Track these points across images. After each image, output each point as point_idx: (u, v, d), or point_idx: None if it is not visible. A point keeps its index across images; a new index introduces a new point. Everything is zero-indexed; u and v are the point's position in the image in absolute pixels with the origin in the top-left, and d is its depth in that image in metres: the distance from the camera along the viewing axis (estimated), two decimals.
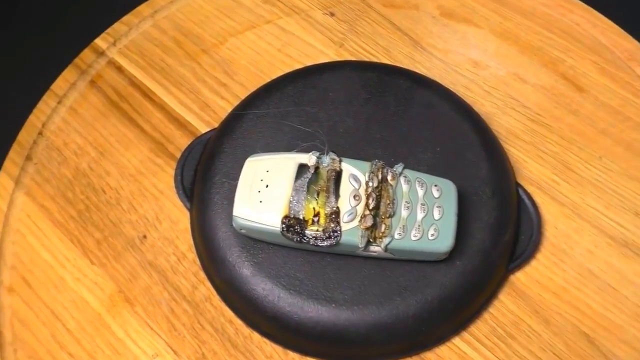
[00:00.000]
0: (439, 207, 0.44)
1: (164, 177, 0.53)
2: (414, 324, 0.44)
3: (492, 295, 0.47)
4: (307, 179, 0.44)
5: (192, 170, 0.52)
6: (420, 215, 0.44)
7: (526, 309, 0.47)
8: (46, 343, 0.47)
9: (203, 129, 0.55)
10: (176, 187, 0.52)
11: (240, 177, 0.45)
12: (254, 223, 0.44)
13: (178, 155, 0.53)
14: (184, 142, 0.54)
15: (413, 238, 0.43)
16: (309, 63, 0.57)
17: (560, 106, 0.55)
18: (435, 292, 0.44)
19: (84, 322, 0.48)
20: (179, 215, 0.51)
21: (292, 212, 0.43)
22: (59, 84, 0.58)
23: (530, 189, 0.51)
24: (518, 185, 0.50)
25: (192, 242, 0.50)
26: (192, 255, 0.50)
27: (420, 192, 0.45)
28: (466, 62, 0.57)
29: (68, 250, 0.50)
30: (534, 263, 0.48)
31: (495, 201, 0.47)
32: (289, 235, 0.43)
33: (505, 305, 0.47)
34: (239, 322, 0.47)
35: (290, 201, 0.44)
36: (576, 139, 0.53)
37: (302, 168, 0.45)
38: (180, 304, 0.48)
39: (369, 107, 0.51)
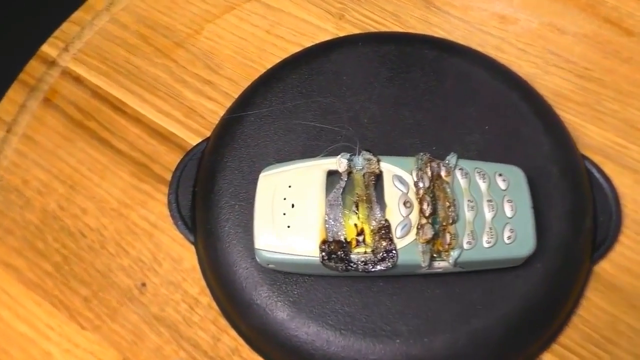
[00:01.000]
0: (509, 201, 0.36)
1: (155, 206, 0.43)
2: (497, 347, 0.36)
3: (579, 294, 0.39)
4: (341, 189, 0.35)
5: (189, 194, 0.42)
6: (489, 215, 0.35)
7: (620, 304, 0.39)
8: None
9: (193, 140, 0.45)
10: (172, 216, 0.42)
11: (257, 197, 0.36)
12: (285, 255, 0.34)
13: (168, 176, 0.43)
14: (172, 159, 0.44)
15: (486, 245, 0.35)
16: (307, 43, 0.47)
17: (609, 55, 0.47)
18: (517, 304, 0.36)
19: None
20: (182, 252, 0.42)
21: (330, 234, 0.34)
22: (5, 107, 0.47)
23: (596, 159, 0.42)
24: (583, 157, 0.42)
25: (204, 283, 0.41)
26: (207, 299, 0.40)
27: (483, 186, 0.36)
28: (491, 17, 0.48)
29: (49, 316, 0.40)
30: (618, 247, 0.40)
31: (568, 181, 0.39)
32: (332, 264, 0.34)
33: (595, 304, 0.39)
34: None
35: (326, 220, 0.35)
36: (635, 91, 0.45)
37: (331, 176, 0.36)
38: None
39: (393, 88, 0.42)
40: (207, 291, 0.40)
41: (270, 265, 0.36)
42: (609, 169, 0.42)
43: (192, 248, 0.41)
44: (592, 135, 0.44)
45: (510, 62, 0.46)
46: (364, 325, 0.36)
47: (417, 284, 0.36)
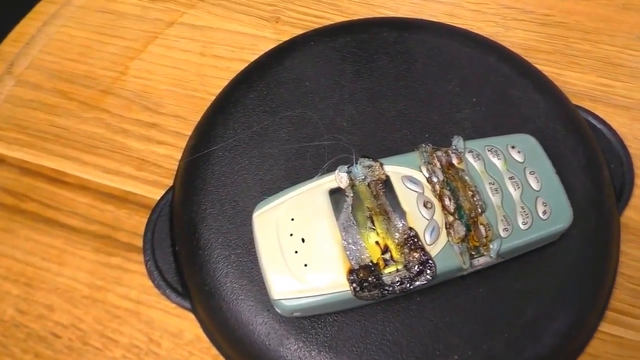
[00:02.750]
0: (532, 173, 0.32)
1: (133, 279, 0.37)
2: (559, 330, 0.32)
3: (617, 252, 0.36)
4: (350, 207, 0.31)
5: (169, 256, 0.37)
6: (515, 193, 0.32)
7: None
8: None
9: (154, 194, 0.39)
10: (157, 286, 0.36)
11: (258, 241, 0.31)
12: (310, 298, 0.30)
13: (138, 242, 0.38)
14: (136, 221, 0.38)
15: (523, 227, 0.31)
16: (250, 57, 0.42)
17: None
18: (565, 279, 0.33)
19: None
20: (180, 323, 0.36)
21: (354, 260, 0.30)
22: None
23: (585, 105, 0.40)
24: (575, 106, 0.39)
25: (215, 351, 0.35)
26: None
27: (499, 164, 0.32)
28: None
29: None
30: (637, 191, 0.38)
31: (574, 135, 0.36)
32: (366, 293, 0.29)
33: (635, 257, 0.36)
34: None
35: (345, 247, 0.30)
36: (600, 26, 0.43)
37: (334, 195, 0.31)
38: None
39: (363, 82, 0.38)
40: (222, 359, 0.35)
41: (296, 314, 0.31)
42: (601, 112, 0.40)
43: (191, 316, 0.36)
44: (573, 82, 0.41)
45: (468, 27, 0.43)
46: (415, 349, 0.31)
47: (456, 288, 0.32)
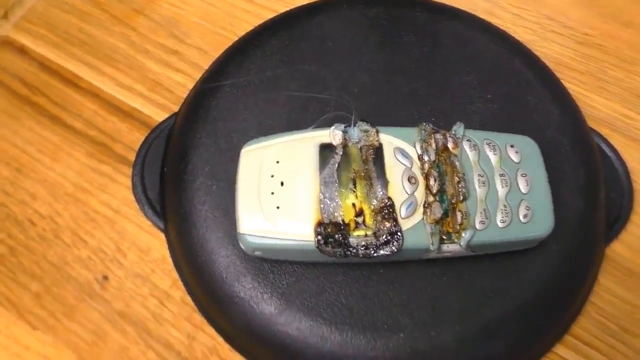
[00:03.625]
0: (523, 175, 0.32)
1: (118, 190, 0.38)
2: (510, 338, 0.32)
3: (593, 279, 0.36)
4: (336, 165, 0.31)
5: (156, 175, 0.37)
6: (502, 190, 0.31)
7: (637, 291, 0.36)
8: None
9: (159, 116, 0.40)
10: (138, 201, 0.37)
11: (239, 175, 0.31)
12: (274, 239, 0.30)
13: (131, 156, 0.38)
14: (135, 137, 0.39)
15: (500, 225, 0.31)
16: (281, 9, 0.43)
17: (609, 19, 0.44)
18: (532, 290, 0.32)
19: None
20: (150, 240, 0.37)
21: (325, 215, 0.30)
22: None
23: (603, 132, 0.39)
24: (591, 129, 0.39)
25: (176, 275, 0.36)
26: (180, 293, 0.35)
27: (494, 159, 0.32)
28: None
29: None
30: (630, 228, 0.37)
31: (579, 154, 0.35)
32: (329, 249, 0.29)
33: (609, 290, 0.36)
34: None
35: (321, 200, 0.30)
36: (638, 58, 0.42)
37: (324, 150, 0.31)
38: None
39: (385, 54, 0.38)
40: (180, 284, 0.35)
41: (257, 253, 0.31)
42: (617, 142, 0.39)
43: (162, 236, 0.36)
44: (597, 106, 0.41)
45: (505, 28, 0.42)
46: (363, 318, 0.31)
47: (422, 270, 0.32)
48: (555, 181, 0.34)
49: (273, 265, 0.32)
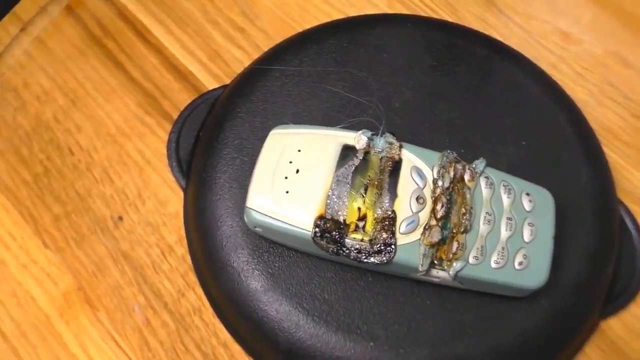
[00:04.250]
0: (530, 224, 0.32)
1: (154, 142, 0.40)
2: None
3: (578, 347, 0.35)
4: (353, 167, 0.32)
5: (191, 137, 0.39)
6: (505, 233, 0.32)
7: None
8: None
9: (211, 84, 0.42)
10: (169, 157, 0.39)
11: (261, 154, 0.33)
12: (275, 221, 0.31)
13: (175, 114, 0.41)
14: (183, 98, 0.41)
15: (494, 265, 0.31)
16: (352, 13, 0.44)
17: None
18: (510, 339, 0.32)
19: (26, 325, 0.35)
20: (169, 195, 0.39)
21: (329, 211, 0.31)
22: (25, 6, 0.44)
23: (633, 208, 0.39)
24: (619, 202, 0.38)
25: (183, 232, 0.37)
26: (182, 250, 0.37)
27: (506, 202, 0.32)
28: (553, 32, 0.45)
29: (15, 225, 0.38)
30: (633, 308, 0.37)
31: (598, 222, 0.35)
32: (323, 242, 0.31)
33: None
34: (236, 348, 0.35)
35: (329, 196, 0.31)
36: None
37: (346, 151, 0.32)
38: (159, 315, 0.36)
39: (434, 78, 0.39)
40: (185, 242, 0.37)
41: (257, 229, 0.32)
42: None
43: (181, 194, 0.38)
44: (634, 180, 0.40)
45: (563, 84, 0.42)
46: (340, 318, 0.32)
47: (408, 289, 0.33)
48: (565, 241, 0.34)
49: (270, 245, 0.34)
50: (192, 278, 0.36)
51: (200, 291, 0.36)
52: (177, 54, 0.43)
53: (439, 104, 0.38)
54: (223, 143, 0.36)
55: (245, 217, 0.32)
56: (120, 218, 0.38)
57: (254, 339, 0.34)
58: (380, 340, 0.32)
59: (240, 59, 0.43)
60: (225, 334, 0.35)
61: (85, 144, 0.40)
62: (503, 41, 0.44)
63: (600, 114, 0.42)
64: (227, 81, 0.42)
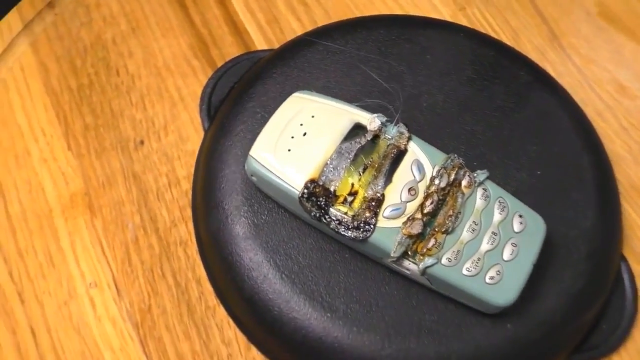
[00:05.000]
0: (514, 245, 0.32)
1: (193, 84, 0.42)
2: None
3: None
4: (359, 146, 0.33)
5: (227, 88, 0.41)
6: (485, 246, 0.32)
7: None
8: None
9: (261, 45, 0.44)
10: (201, 99, 0.41)
11: (277, 111, 0.34)
12: (270, 174, 0.32)
13: (219, 63, 0.43)
14: (232, 52, 0.43)
15: (465, 272, 0.31)
16: (414, 13, 0.45)
17: None
18: (463, 350, 0.32)
19: (30, 212, 0.38)
20: (192, 134, 0.41)
21: (323, 177, 0.32)
22: None
23: (635, 267, 0.37)
24: (622, 257, 0.37)
25: (193, 170, 0.39)
26: (187, 186, 0.39)
27: (497, 217, 0.32)
28: (610, 82, 0.44)
29: (49, 123, 0.40)
30: None
31: (588, 266, 0.34)
32: (308, 205, 0.32)
33: None
34: (207, 287, 0.37)
35: (327, 164, 0.32)
36: None
37: (357, 129, 0.33)
38: (149, 237, 0.38)
39: (470, 90, 0.39)
40: (192, 179, 0.39)
41: (253, 178, 0.34)
42: None
43: (202, 136, 0.40)
44: None
45: (604, 133, 0.42)
46: (307, 283, 0.33)
47: (380, 275, 0.33)
48: (550, 276, 0.34)
49: (263, 199, 0.35)
50: (188, 213, 0.38)
51: (191, 227, 0.38)
52: (239, 11, 0.45)
53: (466, 115, 0.38)
54: (250, 96, 0.38)
55: (246, 165, 0.34)
56: (142, 142, 0.40)
57: (224, 281, 0.35)
58: (338, 314, 0.33)
59: (295, 30, 0.45)
60: (201, 271, 0.37)
61: (132, 70, 0.42)
62: (555, 77, 0.43)
63: (633, 172, 0.41)
64: (277, 46, 0.43)
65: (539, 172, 0.37)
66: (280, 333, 0.33)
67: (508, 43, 0.45)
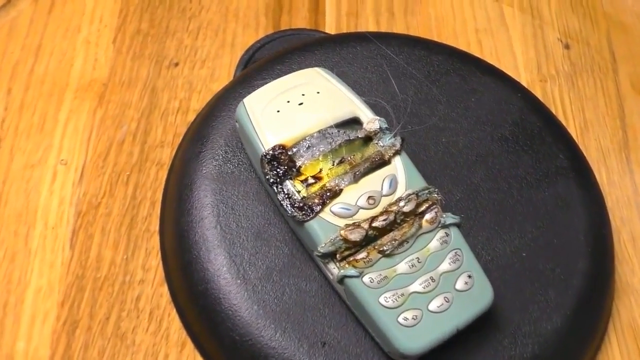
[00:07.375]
0: (447, 300, 0.29)
1: (249, 35, 0.43)
2: None
3: None
4: (347, 138, 0.31)
5: (271, 51, 0.41)
6: (416, 286, 0.29)
7: None
8: None
9: (330, 31, 0.44)
10: (246, 52, 0.41)
11: (290, 74, 0.34)
12: (249, 124, 0.32)
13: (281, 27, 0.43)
14: (299, 23, 0.44)
15: (382, 300, 0.28)
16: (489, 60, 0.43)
17: None
18: None
19: (50, 77, 0.40)
20: (222, 78, 0.41)
21: (294, 149, 0.31)
22: None
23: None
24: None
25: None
26: (193, 117, 0.39)
27: (444, 266, 0.29)
28: None
29: (110, 14, 0.43)
30: None
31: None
32: (266, 165, 0.31)
33: None
34: (157, 212, 0.36)
35: (305, 139, 0.31)
36: None
37: (352, 123, 0.32)
38: (134, 145, 0.38)
39: (497, 146, 0.36)
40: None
41: (236, 124, 0.33)
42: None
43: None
44: None
45: (627, 260, 0.37)
46: (235, 242, 0.32)
47: (308, 270, 0.32)
48: (480, 349, 0.30)
49: (240, 150, 0.34)
50: (178, 141, 0.38)
51: (174, 153, 0.38)
52: None
53: (480, 168, 0.35)
54: (282, 64, 0.38)
55: (237, 109, 0.33)
56: (176, 64, 0.41)
57: (170, 206, 0.35)
58: (248, 282, 0.31)
59: (369, 29, 0.44)
60: (159, 196, 0.36)
61: (205, 2, 0.44)
62: (603, 182, 0.40)
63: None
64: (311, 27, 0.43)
65: (524, 254, 0.33)
66: (189, 280, 0.32)
67: (571, 130, 0.42)
